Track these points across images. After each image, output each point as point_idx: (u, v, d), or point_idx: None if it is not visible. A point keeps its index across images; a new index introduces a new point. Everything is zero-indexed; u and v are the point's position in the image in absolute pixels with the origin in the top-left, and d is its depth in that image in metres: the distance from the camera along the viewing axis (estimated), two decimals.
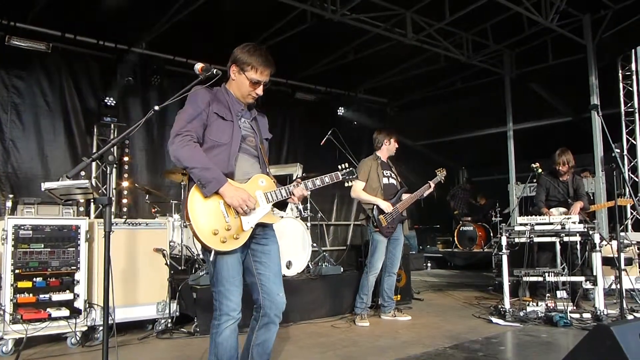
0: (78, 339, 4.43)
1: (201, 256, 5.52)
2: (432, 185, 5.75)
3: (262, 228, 2.92)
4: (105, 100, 8.03)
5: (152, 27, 7.97)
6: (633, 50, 8.57)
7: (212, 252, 2.70)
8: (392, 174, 5.77)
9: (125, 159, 8.41)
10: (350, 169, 3.14)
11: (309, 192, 3.13)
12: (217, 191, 2.69)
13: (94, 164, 7.71)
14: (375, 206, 5.49)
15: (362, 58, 9.48)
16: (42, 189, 4.07)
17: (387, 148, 5.79)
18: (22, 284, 4.20)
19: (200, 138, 2.76)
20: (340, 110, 10.91)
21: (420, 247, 12.99)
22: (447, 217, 13.63)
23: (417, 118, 12.76)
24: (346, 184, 3.20)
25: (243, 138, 2.89)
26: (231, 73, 2.90)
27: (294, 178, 3.23)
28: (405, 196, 5.66)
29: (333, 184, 3.20)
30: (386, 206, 5.44)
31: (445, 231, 13.50)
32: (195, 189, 2.71)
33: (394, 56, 9.54)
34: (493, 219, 10.99)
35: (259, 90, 2.93)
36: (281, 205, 3.08)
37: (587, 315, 5.26)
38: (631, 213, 8.32)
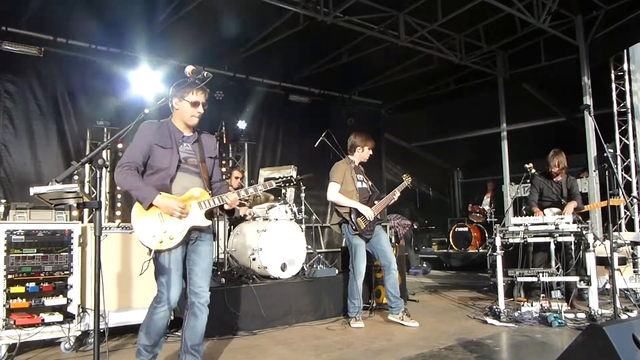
0: (72, 344, 4.41)
1: None
2: (398, 193, 5.73)
3: (199, 232, 3.50)
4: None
5: (144, 30, 7.94)
6: (625, 51, 8.58)
7: (152, 251, 3.31)
8: (364, 179, 5.73)
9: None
10: (287, 177, 3.70)
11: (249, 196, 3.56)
12: (152, 203, 3.30)
13: (87, 168, 7.67)
14: (353, 209, 5.43)
15: (356, 60, 9.47)
16: (31, 194, 4.02)
17: (361, 155, 5.71)
18: (14, 289, 4.17)
19: (141, 167, 3.40)
20: (334, 112, 10.89)
21: (416, 248, 12.98)
22: (442, 217, 13.66)
23: (411, 119, 12.79)
24: (283, 191, 3.39)
25: (184, 160, 3.50)
26: (174, 105, 3.48)
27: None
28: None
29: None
30: (367, 211, 5.41)
31: (440, 232, 13.51)
32: (137, 203, 3.35)
33: (388, 58, 9.55)
34: (488, 219, 11.00)
35: (200, 109, 3.49)
36: (227, 212, 3.74)
37: (581, 315, 5.28)
38: (624, 213, 8.34)
